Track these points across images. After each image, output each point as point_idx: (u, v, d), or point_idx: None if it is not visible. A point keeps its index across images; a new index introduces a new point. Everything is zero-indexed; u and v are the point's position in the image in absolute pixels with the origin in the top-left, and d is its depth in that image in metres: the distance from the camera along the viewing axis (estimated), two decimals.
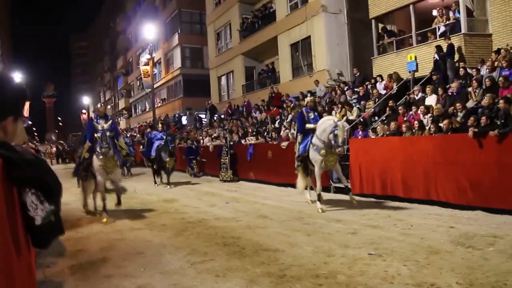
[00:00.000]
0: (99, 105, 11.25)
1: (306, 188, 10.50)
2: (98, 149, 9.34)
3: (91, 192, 10.40)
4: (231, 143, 17.67)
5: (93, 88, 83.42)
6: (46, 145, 56.42)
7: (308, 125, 9.74)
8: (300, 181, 10.39)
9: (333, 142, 8.97)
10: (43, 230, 1.62)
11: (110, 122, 9.64)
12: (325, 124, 9.23)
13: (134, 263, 5.97)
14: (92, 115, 10.25)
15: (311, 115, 9.92)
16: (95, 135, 9.34)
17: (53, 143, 55.60)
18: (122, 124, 52.13)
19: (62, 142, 50.97)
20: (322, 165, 9.46)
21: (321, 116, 10.42)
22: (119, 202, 9.78)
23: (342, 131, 9.03)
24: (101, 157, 9.32)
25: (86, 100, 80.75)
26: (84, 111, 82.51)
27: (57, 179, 1.71)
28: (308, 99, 10.74)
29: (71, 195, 12.11)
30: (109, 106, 69.73)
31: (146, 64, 35.23)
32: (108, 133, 9.22)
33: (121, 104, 57.40)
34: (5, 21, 46.84)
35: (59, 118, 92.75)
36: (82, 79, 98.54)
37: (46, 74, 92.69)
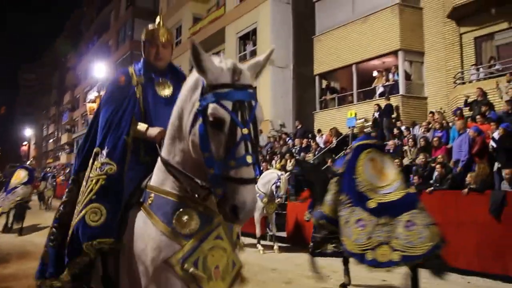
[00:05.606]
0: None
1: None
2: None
3: None
4: None
5: (36, 120, 79.45)
6: None
7: None
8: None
9: (274, 192, 9.54)
10: None
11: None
12: (269, 177, 9.74)
13: None
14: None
15: None
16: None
17: None
18: (63, 158, 49.29)
19: None
20: (263, 212, 9.91)
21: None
22: None
23: (285, 184, 9.66)
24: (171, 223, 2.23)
25: (28, 132, 76.44)
26: (25, 142, 77.81)
27: None
28: None
29: None
30: (51, 140, 66.26)
31: (93, 101, 33.81)
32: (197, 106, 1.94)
33: (64, 138, 54.43)
34: None
35: None
36: (27, 110, 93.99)
37: None
